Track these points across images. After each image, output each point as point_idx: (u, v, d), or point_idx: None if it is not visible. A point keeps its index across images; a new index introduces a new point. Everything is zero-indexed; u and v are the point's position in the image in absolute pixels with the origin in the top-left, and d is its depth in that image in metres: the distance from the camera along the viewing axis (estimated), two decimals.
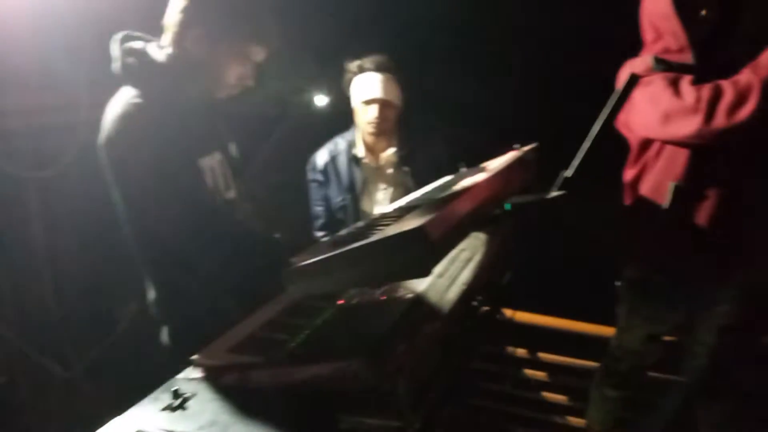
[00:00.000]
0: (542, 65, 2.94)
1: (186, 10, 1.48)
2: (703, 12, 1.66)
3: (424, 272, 0.86)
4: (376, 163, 2.44)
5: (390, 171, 2.43)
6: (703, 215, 1.73)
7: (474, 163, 1.90)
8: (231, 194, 1.60)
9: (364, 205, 2.44)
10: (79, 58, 2.17)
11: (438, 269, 1.18)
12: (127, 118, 1.38)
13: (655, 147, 1.82)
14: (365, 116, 2.34)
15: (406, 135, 2.44)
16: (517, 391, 2.71)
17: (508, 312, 1.66)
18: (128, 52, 1.48)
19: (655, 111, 1.68)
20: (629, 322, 2.04)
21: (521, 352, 2.69)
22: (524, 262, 1.70)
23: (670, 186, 1.75)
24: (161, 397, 0.92)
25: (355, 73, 2.34)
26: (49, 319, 2.35)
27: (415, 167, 2.39)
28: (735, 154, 1.67)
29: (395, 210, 1.53)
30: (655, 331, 2.00)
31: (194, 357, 1.01)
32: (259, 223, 1.73)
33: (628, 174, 1.93)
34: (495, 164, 1.62)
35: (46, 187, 2.29)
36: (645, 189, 1.86)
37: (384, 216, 1.45)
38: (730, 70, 1.62)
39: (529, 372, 2.70)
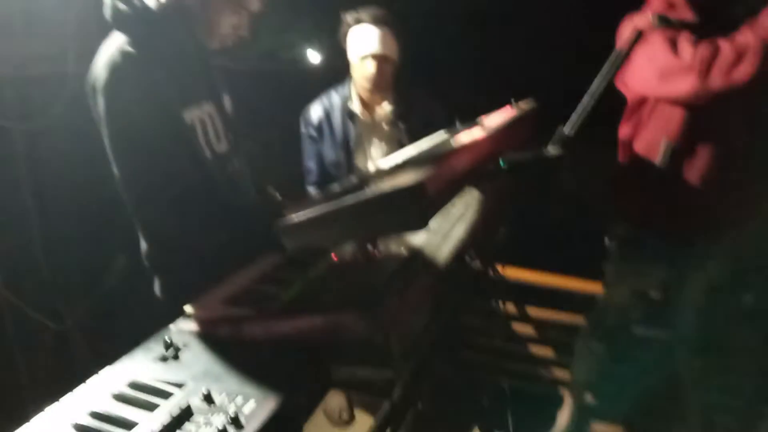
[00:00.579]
0: (542, 19, 2.87)
1: None
2: None
3: (421, 225, 0.87)
4: (371, 119, 2.40)
5: (385, 127, 2.40)
6: (695, 174, 1.73)
7: (470, 118, 1.88)
8: (222, 147, 1.58)
9: (358, 160, 2.42)
10: (69, 4, 2.10)
11: (432, 225, 1.19)
12: (115, 65, 1.36)
13: (649, 104, 1.80)
14: (362, 71, 2.29)
15: (402, 91, 2.40)
16: (506, 344, 2.76)
17: (498, 267, 1.68)
18: None
19: (652, 68, 1.65)
20: (617, 278, 2.06)
21: (510, 306, 2.73)
22: (515, 218, 1.71)
23: (663, 143, 1.75)
24: (154, 347, 0.93)
25: (351, 26, 2.28)
26: (39, 272, 2.34)
27: (410, 124, 2.35)
28: (730, 113, 1.66)
29: (390, 165, 1.51)
30: (642, 288, 2.03)
31: (187, 308, 1.01)
32: (251, 177, 1.71)
33: (623, 131, 1.92)
34: (491, 120, 1.60)
35: (33, 139, 2.25)
36: (639, 146, 1.85)
37: (379, 171, 1.44)
38: (730, 28, 1.59)
39: (517, 326, 2.75)
